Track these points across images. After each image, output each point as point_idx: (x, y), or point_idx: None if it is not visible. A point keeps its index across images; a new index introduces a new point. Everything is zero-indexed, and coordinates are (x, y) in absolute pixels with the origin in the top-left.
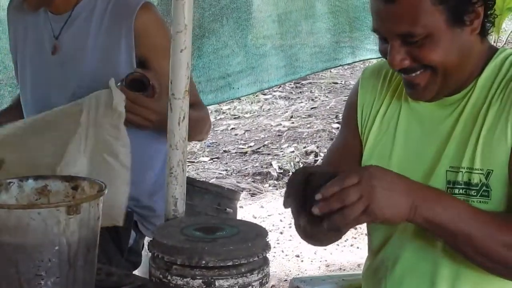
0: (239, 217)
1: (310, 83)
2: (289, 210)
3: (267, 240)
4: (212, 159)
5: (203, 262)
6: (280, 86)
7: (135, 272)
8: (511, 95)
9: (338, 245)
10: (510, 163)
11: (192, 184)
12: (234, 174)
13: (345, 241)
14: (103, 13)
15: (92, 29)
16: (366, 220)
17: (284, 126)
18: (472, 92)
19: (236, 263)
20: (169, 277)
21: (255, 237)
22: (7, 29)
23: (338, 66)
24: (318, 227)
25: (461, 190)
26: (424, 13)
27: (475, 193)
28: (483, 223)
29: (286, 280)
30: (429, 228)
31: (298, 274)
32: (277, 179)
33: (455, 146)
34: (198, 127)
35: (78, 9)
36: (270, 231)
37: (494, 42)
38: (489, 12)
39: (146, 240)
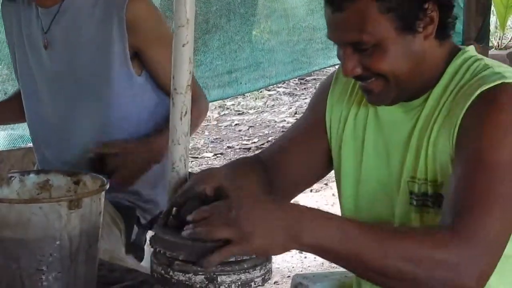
0: None
1: (315, 79)
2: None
3: None
4: (215, 155)
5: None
6: (284, 82)
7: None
8: (456, 108)
9: None
10: (451, 175)
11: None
12: None
13: None
14: (94, 5)
15: (83, 22)
16: (237, 250)
17: (288, 122)
18: (427, 100)
19: (239, 259)
20: (171, 273)
21: None
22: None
23: None
24: None
25: (419, 201)
26: (372, 21)
27: (432, 204)
28: (372, 238)
29: (289, 276)
30: (319, 255)
31: (301, 271)
32: None
33: (413, 156)
34: (193, 125)
35: (66, 3)
36: None
37: (500, 39)
38: (446, 16)
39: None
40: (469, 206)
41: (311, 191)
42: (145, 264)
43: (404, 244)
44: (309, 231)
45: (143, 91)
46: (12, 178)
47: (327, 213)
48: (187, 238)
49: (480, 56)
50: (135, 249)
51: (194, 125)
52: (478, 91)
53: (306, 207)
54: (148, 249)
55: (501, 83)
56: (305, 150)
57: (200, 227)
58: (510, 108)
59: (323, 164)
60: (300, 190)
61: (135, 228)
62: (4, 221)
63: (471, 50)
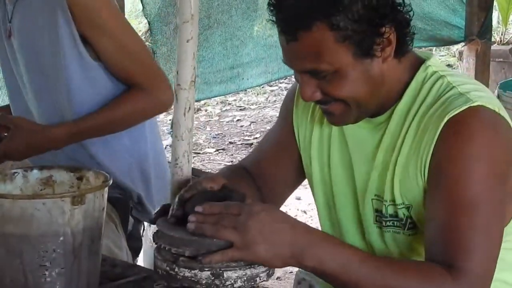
0: None
1: None
2: (295, 201)
3: None
4: (217, 150)
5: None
6: (286, 78)
7: (139, 263)
8: (425, 134)
9: None
10: (425, 204)
11: (198, 176)
12: None
13: None
14: None
15: (35, 9)
16: (238, 256)
17: None
18: (391, 117)
19: None
20: (176, 269)
21: None
22: None
23: None
24: None
25: (389, 222)
26: (328, 51)
27: (403, 226)
28: (374, 270)
29: (291, 272)
30: (318, 275)
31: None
32: None
33: (378, 175)
34: (129, 121)
35: None
36: None
37: (502, 34)
38: (404, 33)
39: (152, 228)
40: (457, 248)
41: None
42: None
43: (404, 280)
44: (313, 252)
45: (100, 76)
46: (16, 174)
47: (334, 238)
48: (191, 233)
49: (442, 70)
50: (132, 239)
51: (140, 116)
52: (446, 119)
53: (314, 228)
54: (146, 244)
55: (468, 107)
56: (280, 161)
57: (207, 223)
58: (478, 137)
59: (299, 173)
60: (287, 194)
61: (130, 219)
62: (8, 217)
63: (433, 64)
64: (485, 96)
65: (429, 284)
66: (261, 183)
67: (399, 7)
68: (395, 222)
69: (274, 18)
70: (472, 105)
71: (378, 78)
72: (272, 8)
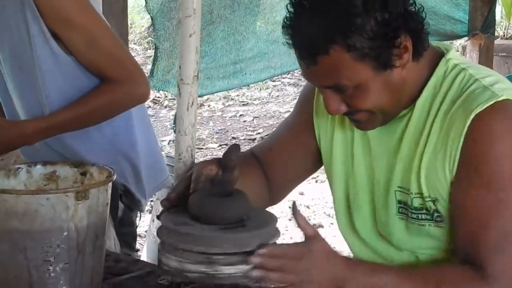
0: None
1: None
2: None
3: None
4: (220, 145)
5: (222, 249)
6: (289, 73)
7: (143, 258)
8: (452, 130)
9: None
10: (451, 199)
11: None
12: None
13: None
14: None
15: (6, 7)
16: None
17: None
18: (413, 111)
19: (252, 250)
20: (216, 269)
21: (266, 223)
22: None
23: None
24: None
25: (414, 215)
26: (348, 69)
27: (430, 218)
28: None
29: None
30: None
31: None
32: None
33: (402, 167)
34: (100, 115)
35: None
36: (278, 217)
37: (505, 28)
38: (419, 36)
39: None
40: (492, 251)
41: (316, 182)
42: (150, 254)
43: None
44: (352, 283)
45: (75, 71)
46: (19, 169)
47: (371, 265)
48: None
49: (463, 63)
50: (123, 226)
51: (112, 109)
52: (473, 115)
53: (353, 261)
54: (149, 239)
55: (494, 102)
56: (293, 151)
57: (272, 272)
58: (508, 133)
59: (311, 164)
60: (294, 186)
61: (120, 205)
62: (12, 212)
63: (453, 57)
64: (509, 88)
65: None
66: (270, 171)
67: (411, 14)
68: (421, 215)
69: (289, 41)
70: (498, 99)
71: (400, 84)
72: (286, 32)
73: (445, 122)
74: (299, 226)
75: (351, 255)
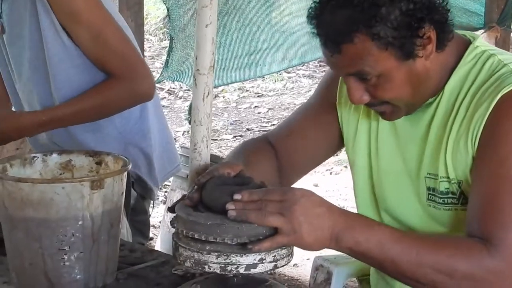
0: None
1: None
2: (313, 188)
3: None
4: (235, 137)
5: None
6: (304, 65)
7: (157, 248)
8: (477, 110)
9: None
10: (471, 175)
11: (216, 162)
12: None
13: None
14: None
15: (18, 2)
16: (286, 241)
17: None
18: (441, 98)
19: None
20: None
21: None
22: None
23: None
24: None
25: (441, 199)
26: (372, 57)
27: (456, 201)
28: (409, 247)
29: (308, 259)
30: (354, 256)
31: (321, 253)
32: None
33: (431, 152)
34: (103, 111)
35: None
36: None
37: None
38: (443, 26)
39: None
40: (496, 223)
41: (330, 174)
42: (164, 245)
43: (439, 256)
44: (349, 234)
45: (86, 64)
46: (35, 158)
47: (369, 219)
48: (233, 220)
49: (491, 49)
50: (136, 214)
51: (115, 106)
52: (500, 95)
53: (349, 211)
54: (163, 230)
55: None
56: (313, 136)
57: (251, 210)
58: None
59: (330, 149)
60: (307, 172)
61: (133, 193)
62: (27, 201)
63: (481, 43)
64: None
65: (465, 258)
66: (287, 156)
67: (435, 5)
68: (447, 199)
69: (314, 31)
70: None
71: (423, 75)
72: (311, 22)
73: (471, 104)
74: None
75: None
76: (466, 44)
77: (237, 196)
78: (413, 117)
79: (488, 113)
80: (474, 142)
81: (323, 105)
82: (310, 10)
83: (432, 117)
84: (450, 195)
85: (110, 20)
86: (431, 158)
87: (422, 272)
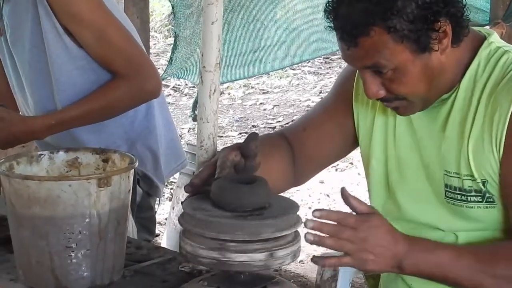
0: None
1: (340, 58)
2: (319, 185)
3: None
4: (240, 133)
5: (232, 236)
6: (309, 61)
7: (163, 245)
8: (497, 109)
9: None
10: (501, 177)
11: None
12: None
13: None
14: None
15: (18, 5)
16: (350, 263)
17: (313, 102)
18: (457, 93)
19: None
20: (228, 255)
21: (283, 213)
22: None
23: None
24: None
25: (463, 197)
26: (388, 50)
27: (481, 199)
28: (468, 266)
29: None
30: (418, 277)
31: (327, 250)
32: None
33: (449, 149)
34: (110, 111)
35: None
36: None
37: None
38: (459, 21)
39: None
40: None
41: (336, 170)
42: (169, 242)
43: (497, 267)
44: (410, 262)
45: (90, 65)
46: (42, 156)
47: (428, 242)
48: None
49: (505, 46)
50: (142, 211)
51: (122, 105)
52: None
53: (411, 238)
54: (169, 227)
55: None
56: (329, 131)
57: (327, 238)
58: None
59: (345, 146)
60: (322, 168)
61: (139, 190)
62: (34, 198)
63: (495, 40)
64: None
65: None
66: (302, 151)
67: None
68: (471, 197)
69: (331, 25)
70: None
71: (439, 70)
72: (328, 15)
73: (489, 103)
74: (352, 207)
75: None
76: (481, 40)
77: (315, 214)
78: (429, 113)
79: (509, 114)
80: (499, 145)
81: (339, 101)
82: (327, 4)
83: (448, 113)
84: (473, 193)
85: (112, 20)
86: (450, 155)
87: (485, 285)
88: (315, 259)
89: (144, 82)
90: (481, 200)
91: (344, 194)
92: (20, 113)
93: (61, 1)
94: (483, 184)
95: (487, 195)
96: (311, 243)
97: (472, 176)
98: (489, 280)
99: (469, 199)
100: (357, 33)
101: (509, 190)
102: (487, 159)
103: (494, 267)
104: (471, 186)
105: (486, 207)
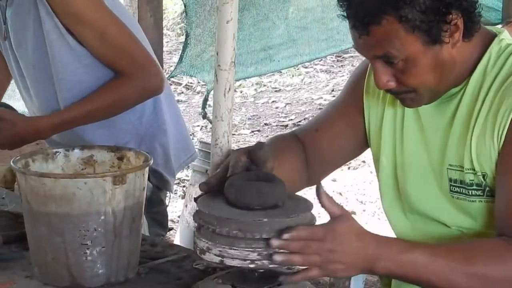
0: None
1: (352, 56)
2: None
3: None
4: (253, 131)
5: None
6: (321, 60)
7: (176, 243)
8: (501, 105)
9: (379, 218)
10: (497, 167)
11: None
12: None
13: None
14: None
15: (21, 7)
16: (318, 274)
17: (325, 100)
18: (466, 89)
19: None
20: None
21: (302, 209)
22: None
23: None
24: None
25: (465, 191)
26: (399, 40)
27: (481, 193)
28: (441, 266)
29: None
30: (391, 278)
31: None
32: None
33: (455, 143)
34: (114, 109)
35: None
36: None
37: None
38: (471, 16)
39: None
40: None
41: (349, 168)
42: (183, 240)
43: (474, 267)
44: (382, 265)
45: (94, 62)
46: (57, 153)
47: (402, 244)
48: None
49: None
50: (153, 206)
51: (125, 103)
52: None
53: (383, 239)
54: (183, 224)
55: None
56: (341, 131)
57: (294, 255)
58: None
59: (358, 145)
60: (335, 168)
61: (149, 184)
62: (50, 196)
63: (506, 37)
64: None
65: (500, 264)
66: (314, 151)
67: None
68: (472, 191)
69: (344, 14)
70: None
71: (449, 63)
72: (341, 4)
73: (496, 98)
74: (324, 206)
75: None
76: (492, 37)
77: (285, 237)
78: (438, 107)
79: None
80: (500, 137)
81: (351, 101)
82: None
83: (456, 108)
84: (475, 187)
85: (114, 19)
86: (455, 149)
87: (460, 283)
88: (281, 279)
89: (147, 80)
90: (481, 194)
91: (319, 191)
92: (29, 115)
93: (62, 2)
94: (483, 177)
95: (487, 188)
96: (279, 263)
97: (474, 169)
98: (464, 279)
99: (470, 193)
100: (369, 21)
101: (500, 178)
102: (487, 151)
103: (470, 266)
104: (472, 180)
105: (487, 201)
